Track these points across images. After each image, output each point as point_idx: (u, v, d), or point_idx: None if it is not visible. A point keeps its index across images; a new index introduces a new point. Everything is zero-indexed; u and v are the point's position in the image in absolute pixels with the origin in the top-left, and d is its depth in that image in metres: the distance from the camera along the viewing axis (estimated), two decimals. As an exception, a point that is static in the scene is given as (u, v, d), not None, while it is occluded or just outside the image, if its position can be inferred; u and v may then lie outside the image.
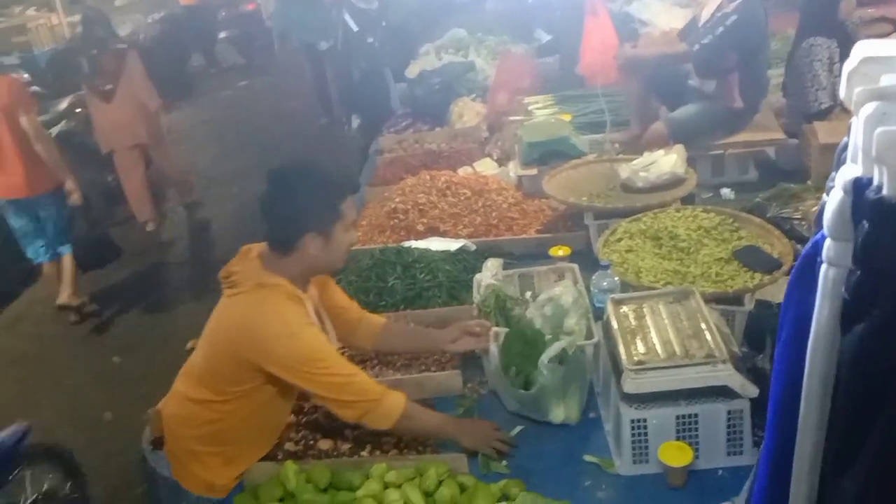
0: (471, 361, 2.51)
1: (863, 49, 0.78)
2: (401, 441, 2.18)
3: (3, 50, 8.09)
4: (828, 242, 0.79)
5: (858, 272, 0.74)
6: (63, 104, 6.47)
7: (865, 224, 0.73)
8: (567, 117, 4.19)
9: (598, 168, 3.53)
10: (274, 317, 1.98)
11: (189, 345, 3.19)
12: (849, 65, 0.77)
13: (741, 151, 3.82)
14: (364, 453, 2.14)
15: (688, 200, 3.19)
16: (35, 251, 4.70)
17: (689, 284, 2.42)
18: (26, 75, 7.18)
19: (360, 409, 2.02)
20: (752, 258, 2.51)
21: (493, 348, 2.26)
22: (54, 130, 5.98)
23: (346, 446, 2.17)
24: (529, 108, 4.53)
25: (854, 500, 0.81)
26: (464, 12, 7.21)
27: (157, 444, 2.14)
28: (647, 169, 3.22)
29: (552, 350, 2.12)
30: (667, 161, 3.22)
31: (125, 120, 5.46)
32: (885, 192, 0.71)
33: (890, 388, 0.74)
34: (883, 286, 0.72)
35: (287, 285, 2.04)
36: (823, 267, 0.79)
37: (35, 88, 6.86)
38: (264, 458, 2.17)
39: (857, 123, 0.74)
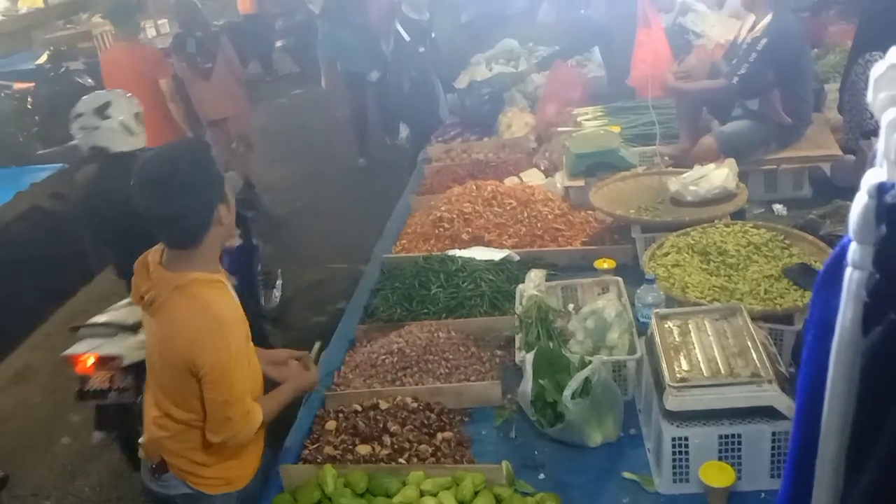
0: (511, 371, 2.50)
1: (894, 55, 0.77)
2: (438, 450, 2.18)
3: (69, 55, 8.39)
4: (852, 245, 0.79)
5: (877, 275, 0.75)
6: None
7: (883, 228, 0.73)
8: (616, 129, 4.15)
9: (646, 181, 3.49)
10: (199, 314, 1.91)
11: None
12: (876, 70, 0.77)
13: (795, 167, 3.73)
14: (402, 460, 2.15)
15: (738, 216, 3.13)
16: None
17: (736, 301, 2.38)
18: (90, 80, 7.43)
19: (225, 429, 1.96)
20: (802, 276, 2.45)
21: (526, 370, 2.25)
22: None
23: (384, 452, 2.18)
24: (578, 119, 4.51)
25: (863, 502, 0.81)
26: (515, 23, 7.21)
27: (160, 469, 2.09)
28: (697, 183, 3.17)
29: (574, 383, 2.10)
30: (717, 175, 3.16)
31: (222, 93, 5.97)
32: None
33: None
34: None
35: (202, 275, 1.95)
36: (848, 270, 0.80)
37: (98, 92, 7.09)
38: (304, 461, 2.21)
39: (881, 128, 0.75)
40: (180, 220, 1.90)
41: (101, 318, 3.27)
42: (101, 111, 3.31)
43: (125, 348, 3.13)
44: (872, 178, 0.77)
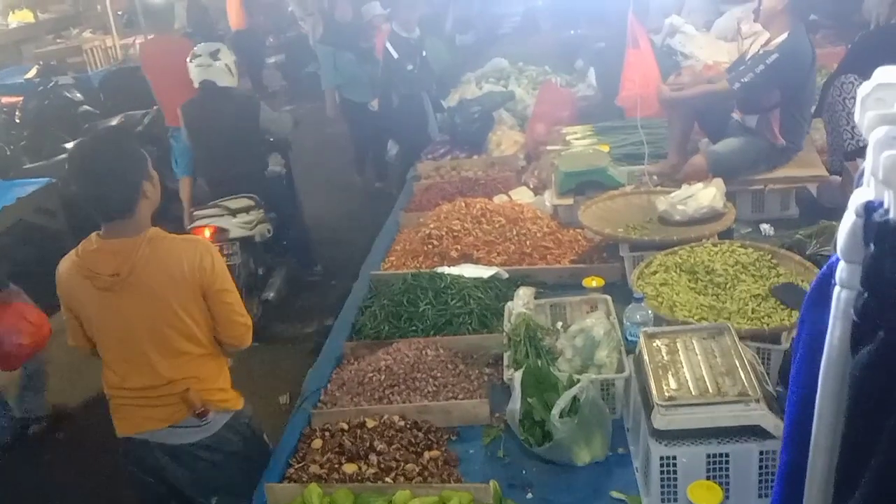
0: (499, 390, 2.49)
1: (880, 75, 0.78)
2: (425, 469, 2.16)
3: (59, 70, 8.36)
4: (840, 264, 0.79)
5: (865, 294, 0.75)
6: (112, 123, 6.66)
7: (871, 246, 0.73)
8: (605, 148, 4.18)
9: (635, 200, 3.51)
10: (187, 243, 2.26)
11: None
12: (863, 90, 0.78)
13: (782, 187, 3.75)
14: (388, 479, 2.12)
15: (726, 235, 3.14)
16: (180, 170, 5.49)
17: (724, 320, 2.38)
18: (79, 94, 7.41)
19: (245, 329, 2.34)
20: (790, 295, 2.46)
21: (514, 388, 2.24)
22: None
23: (370, 471, 2.15)
24: (567, 138, 4.54)
25: None
26: (506, 42, 7.26)
27: (203, 413, 2.28)
28: (685, 202, 3.19)
29: (562, 402, 2.10)
30: (705, 195, 3.18)
31: None
32: (891, 215, 0.72)
33: (891, 412, 0.73)
34: (886, 308, 0.72)
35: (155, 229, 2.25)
36: (836, 289, 0.80)
37: (86, 107, 7.07)
38: (289, 480, 2.18)
39: (869, 147, 0.75)
40: (109, 197, 2.15)
41: (215, 204, 4.54)
42: (214, 55, 4.52)
43: (231, 225, 4.41)
44: (860, 196, 0.77)
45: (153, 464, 2.34)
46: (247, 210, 4.57)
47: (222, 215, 4.45)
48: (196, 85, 4.56)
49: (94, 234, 2.22)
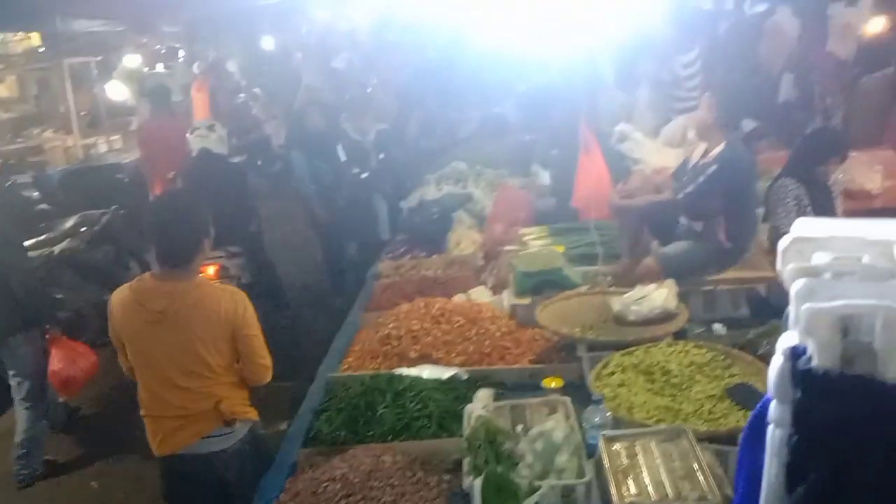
0: (459, 498, 2.43)
1: (798, 228, 0.82)
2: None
3: (18, 169, 8.32)
4: (773, 404, 0.81)
5: (796, 435, 0.77)
6: (69, 223, 6.57)
7: (798, 391, 0.76)
8: (560, 249, 4.27)
9: (590, 300, 3.56)
10: (229, 293, 2.61)
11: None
12: (783, 243, 0.82)
13: (733, 287, 3.86)
14: None
15: (680, 335, 3.20)
16: None
17: (681, 422, 2.39)
18: (37, 193, 7.34)
19: (265, 369, 2.68)
20: (744, 396, 2.49)
21: (474, 497, 2.19)
22: (57, 248, 6.06)
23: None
24: (524, 238, 4.63)
25: None
26: (464, 147, 7.46)
27: (232, 422, 2.63)
28: (639, 302, 3.25)
29: None
30: (658, 295, 3.26)
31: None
32: (814, 362, 0.74)
33: None
34: (817, 451, 0.74)
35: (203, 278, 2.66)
36: (770, 427, 0.82)
37: (43, 206, 7.01)
38: None
39: (790, 299, 0.78)
40: (179, 248, 2.56)
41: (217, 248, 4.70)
42: (211, 128, 5.42)
43: (230, 265, 5.17)
44: (787, 340, 0.80)
45: (190, 475, 2.65)
46: (238, 255, 5.36)
47: (222, 256, 5.15)
48: (194, 153, 5.34)
49: (147, 274, 2.63)
